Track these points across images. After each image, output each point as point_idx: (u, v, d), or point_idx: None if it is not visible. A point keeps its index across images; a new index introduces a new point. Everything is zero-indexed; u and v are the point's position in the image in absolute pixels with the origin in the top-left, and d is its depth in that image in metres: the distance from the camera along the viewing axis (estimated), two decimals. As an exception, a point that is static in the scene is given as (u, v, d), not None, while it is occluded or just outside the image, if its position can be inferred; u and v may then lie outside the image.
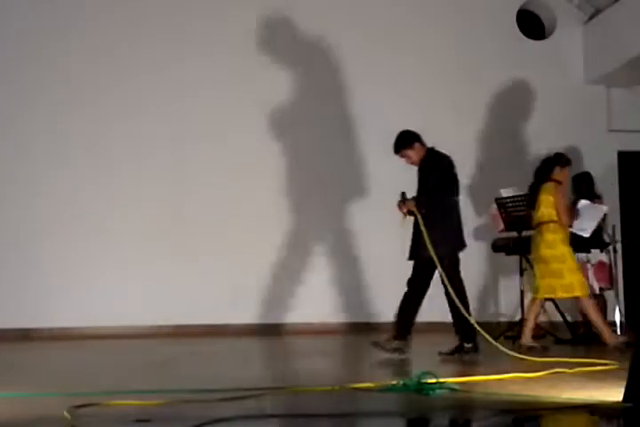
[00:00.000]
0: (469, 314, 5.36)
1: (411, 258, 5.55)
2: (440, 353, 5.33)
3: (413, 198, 5.42)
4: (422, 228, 5.28)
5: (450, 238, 5.42)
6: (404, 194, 5.47)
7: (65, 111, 7.47)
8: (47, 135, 7.43)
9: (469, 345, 5.32)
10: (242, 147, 7.61)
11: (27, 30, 7.47)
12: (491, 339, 5.24)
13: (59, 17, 7.58)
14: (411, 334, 5.43)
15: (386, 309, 7.35)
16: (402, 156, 5.59)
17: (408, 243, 5.60)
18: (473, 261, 7.92)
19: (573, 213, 6.20)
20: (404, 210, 5.41)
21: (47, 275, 7.20)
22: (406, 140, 5.55)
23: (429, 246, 5.22)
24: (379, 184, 7.63)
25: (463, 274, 7.82)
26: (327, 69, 7.99)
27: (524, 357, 5.04)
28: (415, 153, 5.55)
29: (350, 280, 7.71)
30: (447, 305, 5.43)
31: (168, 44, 7.69)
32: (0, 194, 7.31)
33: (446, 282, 5.32)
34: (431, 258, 5.25)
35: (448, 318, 5.57)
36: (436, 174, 5.43)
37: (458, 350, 5.33)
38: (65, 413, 2.95)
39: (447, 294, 5.38)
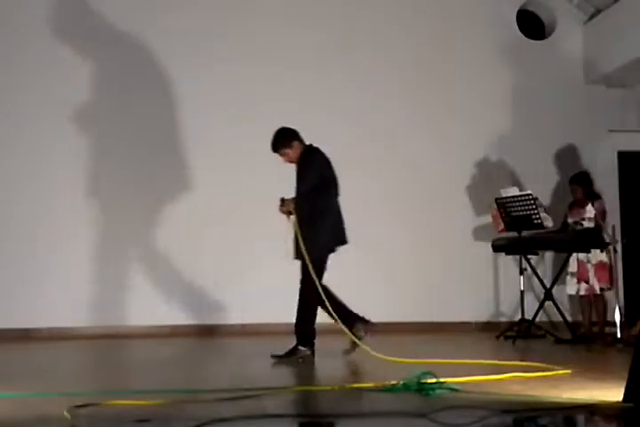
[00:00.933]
0: (313, 318, 5.31)
1: (296, 257, 5.40)
2: (273, 356, 5.18)
3: (292, 199, 5.30)
4: (296, 228, 5.24)
5: (322, 239, 5.31)
6: (283, 199, 5.35)
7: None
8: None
9: (304, 349, 5.21)
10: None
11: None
12: (358, 341, 5.15)
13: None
14: (315, 338, 5.30)
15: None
16: (281, 155, 5.43)
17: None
18: (473, 261, 7.95)
19: None
20: (285, 212, 5.32)
21: (47, 275, 7.19)
22: (285, 140, 5.41)
23: (302, 246, 5.16)
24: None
25: (463, 274, 7.93)
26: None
27: (391, 358, 4.86)
28: (294, 151, 5.40)
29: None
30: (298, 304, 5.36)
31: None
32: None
33: (305, 283, 5.22)
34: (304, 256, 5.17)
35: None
36: (311, 173, 5.32)
37: (292, 352, 5.19)
38: (65, 413, 2.95)
39: (301, 294, 5.31)
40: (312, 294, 5.24)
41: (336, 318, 5.20)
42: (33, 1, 7.55)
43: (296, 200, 5.30)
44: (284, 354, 5.17)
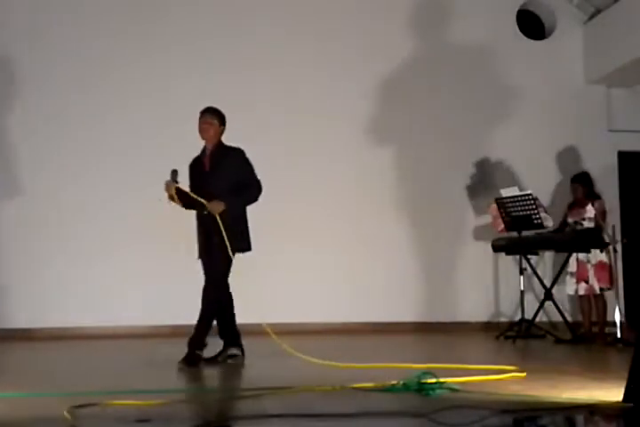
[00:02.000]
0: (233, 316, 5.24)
1: (200, 257, 5.18)
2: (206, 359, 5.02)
3: (220, 198, 4.95)
4: (220, 224, 4.90)
5: (246, 237, 5.17)
6: (174, 172, 5.01)
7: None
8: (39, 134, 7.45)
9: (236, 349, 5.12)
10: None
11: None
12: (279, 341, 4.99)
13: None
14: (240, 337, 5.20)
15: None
16: (209, 120, 5.11)
17: None
18: (473, 261, 7.96)
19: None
20: (171, 191, 4.96)
21: (47, 275, 7.20)
22: (222, 118, 5.16)
23: (226, 240, 4.88)
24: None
25: (464, 274, 7.94)
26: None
27: (316, 360, 4.76)
28: (217, 130, 5.13)
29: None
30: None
31: None
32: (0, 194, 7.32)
33: (223, 281, 5.10)
34: (221, 255, 4.95)
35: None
36: (252, 171, 5.15)
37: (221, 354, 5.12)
38: (65, 413, 2.95)
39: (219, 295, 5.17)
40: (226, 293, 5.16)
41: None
42: None
43: (228, 200, 4.98)
44: (214, 356, 5.05)
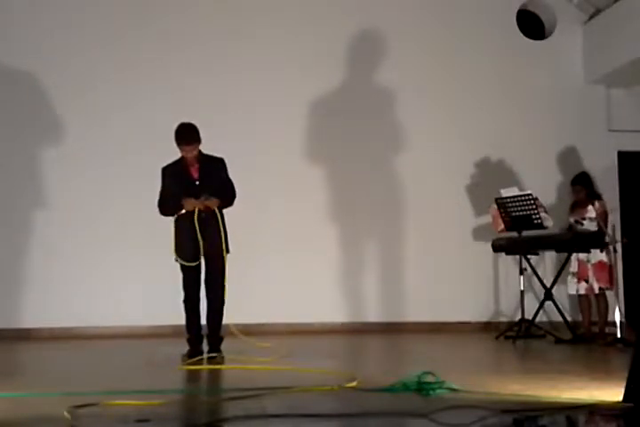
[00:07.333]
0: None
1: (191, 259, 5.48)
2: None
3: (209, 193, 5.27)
4: (220, 223, 5.32)
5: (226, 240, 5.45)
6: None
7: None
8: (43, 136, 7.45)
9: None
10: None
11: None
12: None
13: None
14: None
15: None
16: (194, 148, 5.29)
17: None
18: (473, 261, 7.95)
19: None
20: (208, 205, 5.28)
21: (47, 275, 7.20)
22: (198, 135, 5.31)
23: (224, 241, 5.33)
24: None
25: (464, 274, 7.94)
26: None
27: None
28: (197, 149, 5.36)
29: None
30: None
31: None
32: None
33: (219, 284, 5.40)
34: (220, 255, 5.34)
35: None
36: (227, 177, 5.46)
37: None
38: (65, 413, 2.96)
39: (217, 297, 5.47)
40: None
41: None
42: None
43: (231, 195, 5.45)
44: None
